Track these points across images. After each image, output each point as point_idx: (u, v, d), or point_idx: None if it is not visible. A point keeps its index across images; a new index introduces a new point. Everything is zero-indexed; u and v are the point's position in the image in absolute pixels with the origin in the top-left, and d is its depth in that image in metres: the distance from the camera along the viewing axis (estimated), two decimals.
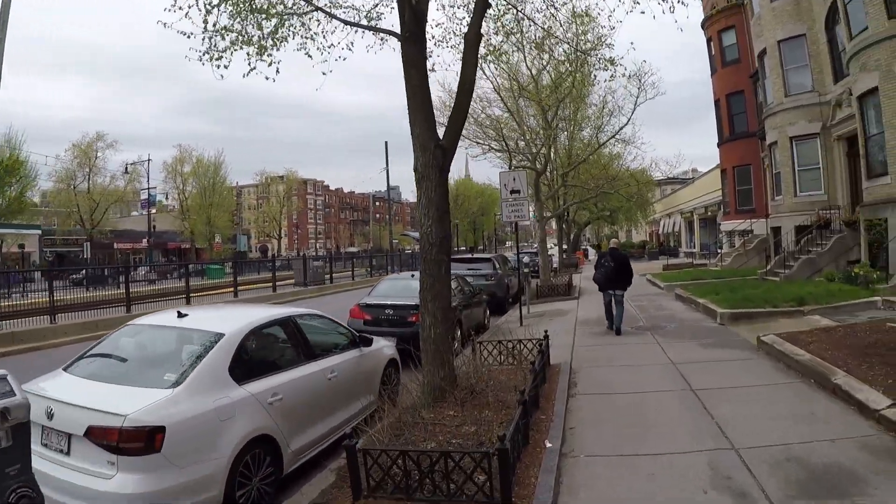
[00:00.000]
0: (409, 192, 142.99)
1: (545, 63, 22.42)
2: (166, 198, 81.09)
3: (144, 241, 70.13)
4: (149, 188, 61.59)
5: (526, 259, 36.92)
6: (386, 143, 51.42)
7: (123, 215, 75.44)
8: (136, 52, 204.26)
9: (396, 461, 5.28)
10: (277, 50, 9.03)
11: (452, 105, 8.88)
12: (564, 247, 51.04)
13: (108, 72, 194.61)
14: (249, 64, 8.97)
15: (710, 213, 47.56)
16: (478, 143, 25.71)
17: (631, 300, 19.86)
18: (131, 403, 5.10)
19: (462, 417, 6.62)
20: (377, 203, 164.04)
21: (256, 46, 8.87)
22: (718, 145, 36.91)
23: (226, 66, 8.90)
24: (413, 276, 14.32)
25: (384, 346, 9.42)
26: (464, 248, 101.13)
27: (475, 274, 21.37)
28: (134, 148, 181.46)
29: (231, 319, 6.90)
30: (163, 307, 19.64)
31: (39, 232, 61.68)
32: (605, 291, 14.76)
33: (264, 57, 8.95)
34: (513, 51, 20.23)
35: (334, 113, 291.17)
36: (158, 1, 8.36)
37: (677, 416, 7.45)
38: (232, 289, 29.22)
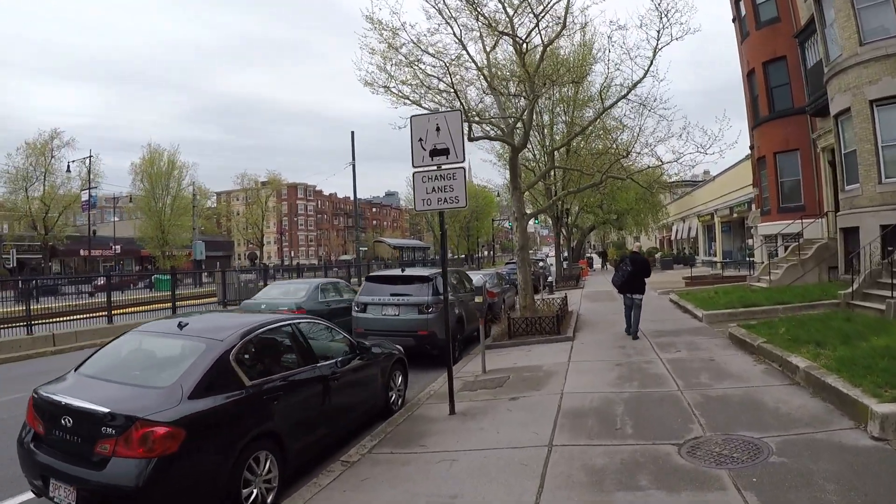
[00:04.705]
0: (406, 199, 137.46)
1: None
2: (130, 201, 74.85)
3: (115, 246, 66.66)
4: (90, 188, 54.76)
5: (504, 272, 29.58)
6: (352, 133, 43.46)
7: (97, 221, 71.77)
8: (143, 60, 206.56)
9: None
10: None
11: None
12: (565, 255, 44.13)
13: (116, 79, 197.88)
14: None
15: (735, 215, 40.19)
16: (420, 103, 16.75)
17: (658, 343, 12.43)
18: None
19: None
20: (374, 209, 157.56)
21: None
22: (753, 128, 29.38)
23: None
24: (181, 323, 6.85)
25: None
26: (454, 257, 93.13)
27: (402, 303, 13.68)
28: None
29: None
30: None
31: None
32: (623, 294, 14.40)
33: None
34: None
35: (343, 120, 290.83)
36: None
37: None
38: (105, 312, 21.52)
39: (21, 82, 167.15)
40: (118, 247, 67.05)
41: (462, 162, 8.89)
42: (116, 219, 77.20)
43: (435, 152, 8.96)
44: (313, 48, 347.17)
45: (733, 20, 31.50)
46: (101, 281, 35.26)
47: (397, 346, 10.45)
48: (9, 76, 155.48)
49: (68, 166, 56.19)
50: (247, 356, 6.52)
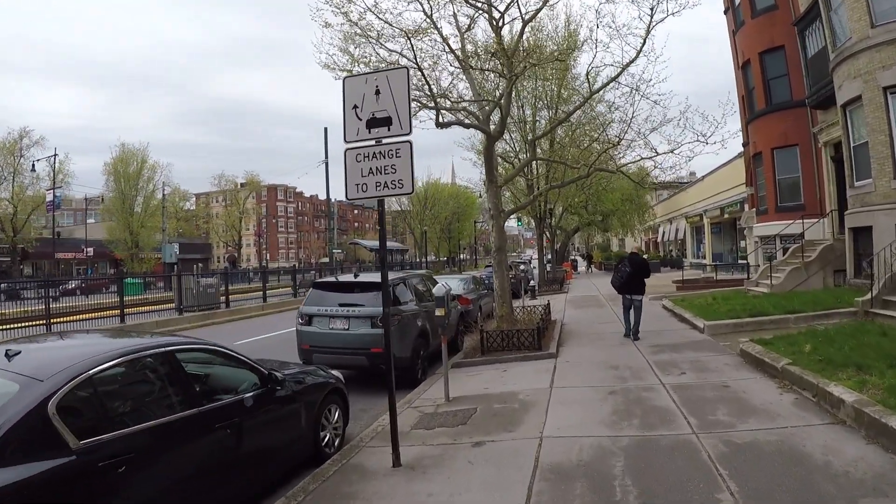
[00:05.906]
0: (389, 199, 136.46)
1: None
2: (101, 202, 72.91)
3: (87, 249, 65.13)
4: (53, 189, 52.68)
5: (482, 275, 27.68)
6: (325, 129, 41.65)
7: (78, 223, 70.87)
8: (133, 61, 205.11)
9: None
10: None
11: None
12: (548, 257, 42.47)
13: (104, 80, 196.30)
14: None
15: (727, 216, 38.59)
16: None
17: (657, 362, 10.60)
18: None
19: None
20: (355, 211, 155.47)
21: None
22: (747, 123, 27.91)
23: None
24: (10, 352, 4.78)
25: None
26: (436, 259, 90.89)
27: (352, 315, 11.41)
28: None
29: None
30: None
31: None
32: (623, 295, 14.31)
33: None
34: None
35: (333, 122, 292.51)
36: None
37: None
38: (44, 321, 19.35)
39: (21, 83, 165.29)
40: (90, 249, 65.03)
41: (408, 134, 6.60)
42: (91, 220, 75.18)
43: (373, 122, 6.66)
44: (313, 49, 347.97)
45: (725, 11, 30.61)
46: (72, 284, 33.48)
47: (334, 372, 8.29)
48: (9, 76, 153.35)
49: (33, 165, 54.86)
50: (81, 403, 4.48)
